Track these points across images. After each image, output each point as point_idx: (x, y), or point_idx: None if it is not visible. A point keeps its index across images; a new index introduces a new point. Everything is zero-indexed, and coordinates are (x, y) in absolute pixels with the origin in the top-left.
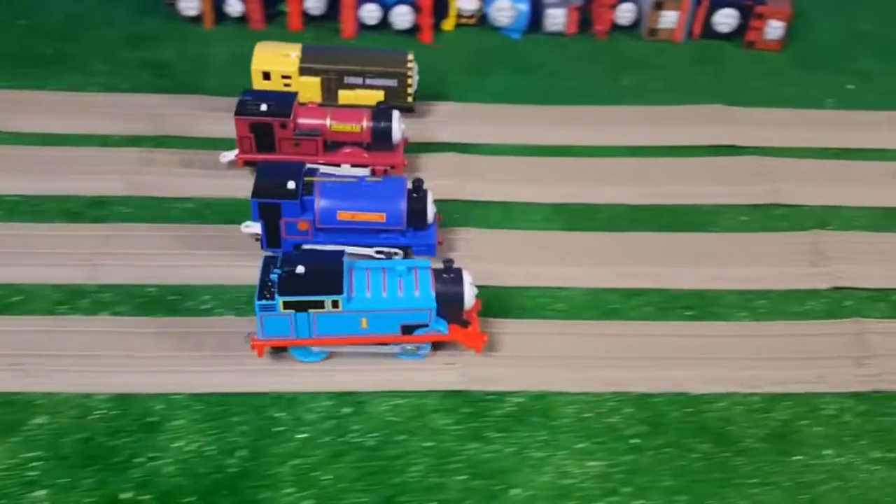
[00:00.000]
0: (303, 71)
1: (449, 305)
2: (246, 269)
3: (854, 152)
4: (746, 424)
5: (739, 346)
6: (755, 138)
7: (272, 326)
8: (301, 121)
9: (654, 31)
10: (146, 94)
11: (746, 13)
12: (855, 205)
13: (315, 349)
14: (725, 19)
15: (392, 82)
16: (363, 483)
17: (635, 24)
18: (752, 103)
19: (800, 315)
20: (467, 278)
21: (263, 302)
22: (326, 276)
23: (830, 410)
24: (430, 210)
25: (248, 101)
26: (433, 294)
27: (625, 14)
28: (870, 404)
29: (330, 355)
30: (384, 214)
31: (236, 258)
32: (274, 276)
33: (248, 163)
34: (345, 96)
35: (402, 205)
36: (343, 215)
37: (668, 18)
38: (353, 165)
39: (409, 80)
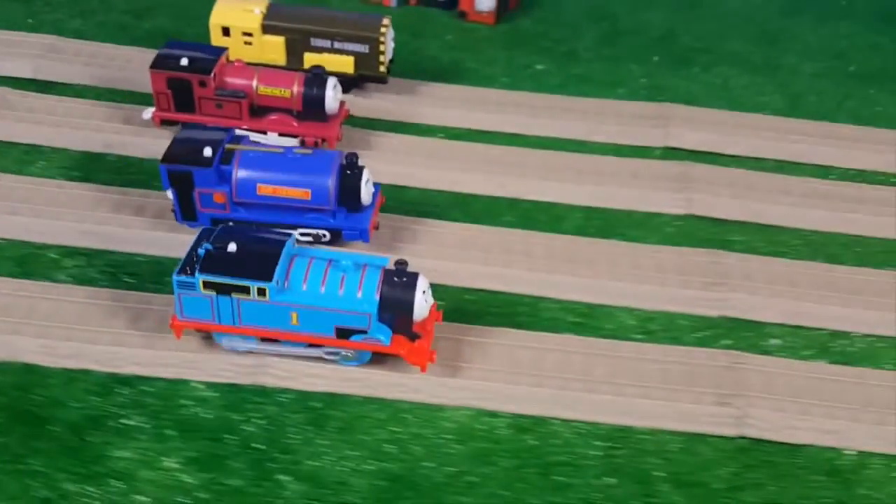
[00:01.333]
0: (266, 29)
1: (395, 313)
2: None
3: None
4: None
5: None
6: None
7: (192, 307)
8: (225, 80)
9: None
10: None
11: None
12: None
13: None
14: None
15: (363, 48)
16: None
17: None
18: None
19: None
20: (422, 285)
21: (182, 278)
22: (260, 260)
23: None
24: (366, 190)
25: (168, 54)
26: (377, 298)
27: None
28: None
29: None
30: (309, 191)
31: None
32: (202, 251)
33: (166, 122)
34: (311, 60)
35: (330, 181)
36: (263, 189)
37: None
38: (281, 135)
39: (382, 48)
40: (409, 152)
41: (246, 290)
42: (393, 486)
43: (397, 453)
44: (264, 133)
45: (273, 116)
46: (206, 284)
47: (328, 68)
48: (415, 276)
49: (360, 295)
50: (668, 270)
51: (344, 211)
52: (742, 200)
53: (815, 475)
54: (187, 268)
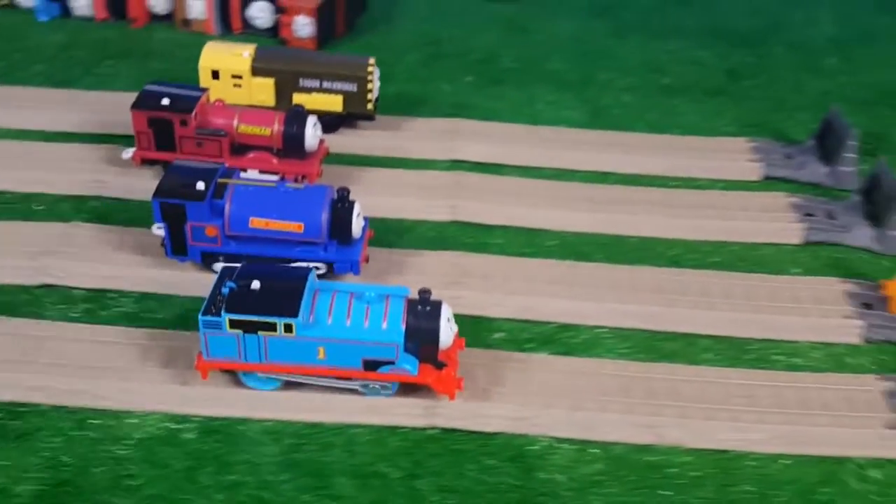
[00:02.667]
0: (255, 71)
1: (421, 342)
2: None
3: None
4: None
5: None
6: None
7: (218, 346)
8: (206, 119)
9: (186, 22)
10: None
11: (282, 9)
12: None
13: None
14: (260, 13)
15: (351, 87)
16: None
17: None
18: None
19: None
20: (445, 313)
21: (208, 318)
22: (284, 296)
23: None
24: (357, 224)
25: (149, 94)
26: (403, 328)
27: (158, 2)
28: None
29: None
30: (302, 224)
31: None
32: (225, 290)
33: (146, 161)
34: (299, 100)
35: (323, 215)
36: (256, 222)
37: (197, 8)
38: (261, 172)
39: (370, 86)
40: None
41: (272, 327)
42: (55, 491)
43: (70, 460)
44: (244, 170)
45: (253, 154)
46: (233, 323)
47: (317, 108)
48: (438, 304)
49: (385, 326)
50: (407, 272)
51: (335, 244)
52: (507, 206)
53: (498, 461)
54: (212, 307)
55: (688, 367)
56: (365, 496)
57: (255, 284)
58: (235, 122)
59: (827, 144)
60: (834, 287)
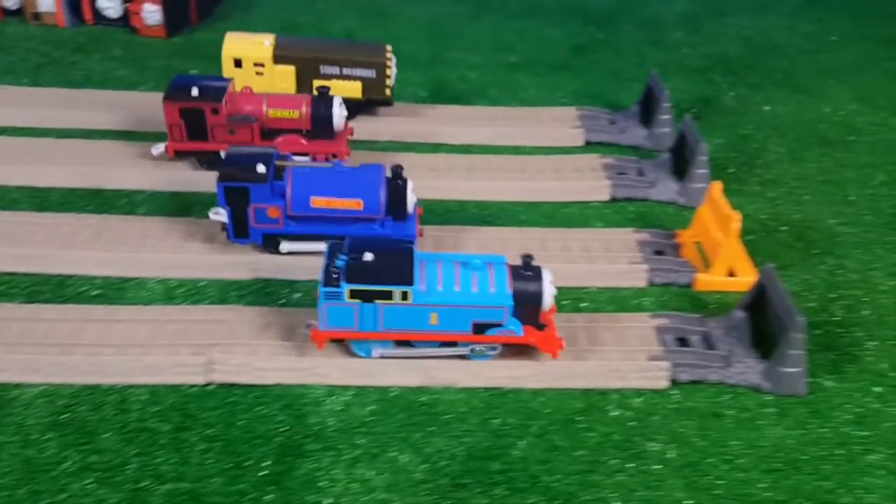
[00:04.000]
0: (277, 59)
1: (525, 305)
2: None
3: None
4: None
5: None
6: None
7: (335, 316)
8: (236, 106)
9: (37, 16)
10: None
11: None
12: None
13: (376, 343)
14: (109, 3)
15: (370, 73)
16: None
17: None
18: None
19: None
20: (547, 277)
21: (329, 289)
22: (397, 266)
23: None
24: (411, 199)
25: (178, 86)
26: (510, 292)
27: None
28: None
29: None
30: (361, 202)
31: None
32: (340, 263)
33: (179, 153)
34: (320, 86)
35: (381, 192)
36: (317, 202)
37: (46, 2)
38: (292, 154)
39: (388, 72)
40: None
41: (389, 296)
42: None
43: None
44: None
45: (283, 137)
46: (353, 293)
47: (337, 93)
48: (539, 268)
49: (493, 290)
50: (196, 239)
51: (390, 220)
52: None
53: (271, 410)
54: (331, 279)
55: None
56: (129, 449)
57: (368, 256)
58: (265, 108)
59: (648, 109)
60: (628, 237)
